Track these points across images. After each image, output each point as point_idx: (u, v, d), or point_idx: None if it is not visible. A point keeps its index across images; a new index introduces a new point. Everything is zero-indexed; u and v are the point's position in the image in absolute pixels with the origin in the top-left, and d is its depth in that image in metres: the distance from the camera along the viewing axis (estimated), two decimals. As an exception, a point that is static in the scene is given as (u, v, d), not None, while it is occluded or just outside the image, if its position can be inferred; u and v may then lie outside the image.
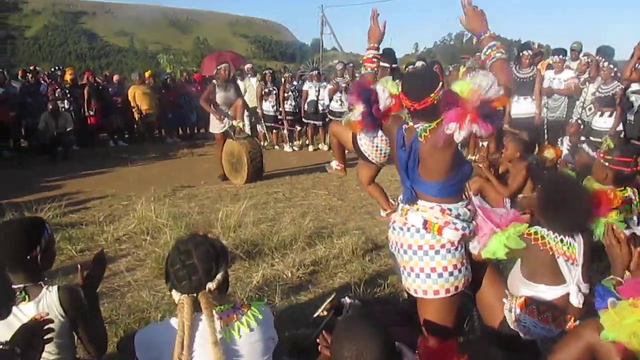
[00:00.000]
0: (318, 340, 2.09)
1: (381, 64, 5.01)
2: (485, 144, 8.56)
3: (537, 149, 6.38)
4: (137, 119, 12.22)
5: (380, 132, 4.84)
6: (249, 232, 4.84)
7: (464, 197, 2.75)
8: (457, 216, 2.64)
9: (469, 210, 2.72)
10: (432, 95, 2.46)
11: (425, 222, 2.62)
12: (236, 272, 4.16)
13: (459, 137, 2.36)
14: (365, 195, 6.78)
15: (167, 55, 27.93)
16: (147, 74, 12.96)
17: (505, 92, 2.41)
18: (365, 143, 5.01)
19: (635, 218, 4.03)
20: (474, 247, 2.82)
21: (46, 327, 1.67)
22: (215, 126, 7.88)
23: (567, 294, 2.73)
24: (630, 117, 7.45)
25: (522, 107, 8.12)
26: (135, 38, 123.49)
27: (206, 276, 1.90)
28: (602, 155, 4.18)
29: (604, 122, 7.39)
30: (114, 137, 12.21)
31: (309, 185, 7.64)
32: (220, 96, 7.78)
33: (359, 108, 2.93)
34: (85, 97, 11.46)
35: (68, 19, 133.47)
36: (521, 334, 2.84)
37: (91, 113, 11.57)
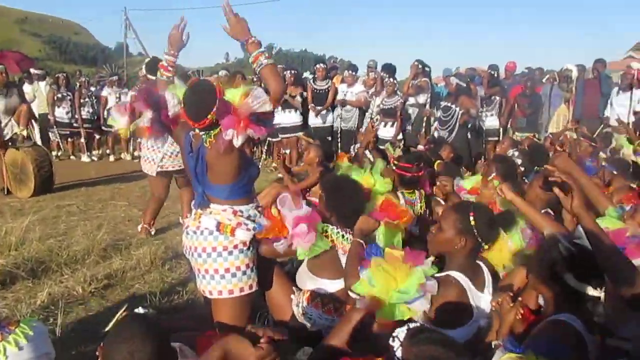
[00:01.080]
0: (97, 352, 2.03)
1: (149, 76, 5.05)
2: (287, 151, 9.01)
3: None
4: None
5: (169, 139, 4.90)
6: (33, 249, 4.43)
7: (254, 199, 2.91)
8: (249, 217, 2.76)
9: (259, 211, 2.86)
10: (209, 116, 2.49)
11: (219, 224, 2.70)
12: (17, 294, 3.78)
13: (237, 142, 2.49)
14: (168, 205, 6.66)
15: None
16: None
17: (276, 93, 2.62)
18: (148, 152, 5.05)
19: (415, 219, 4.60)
20: (280, 245, 3.00)
21: None
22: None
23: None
24: (409, 127, 8.48)
25: (318, 118, 8.74)
26: None
27: None
28: (392, 160, 4.74)
29: (387, 131, 8.28)
30: None
31: (107, 196, 7.22)
32: (0, 104, 6.96)
33: (147, 114, 2.90)
34: None
35: None
36: (308, 325, 3.07)
37: None
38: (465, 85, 7.86)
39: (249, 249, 2.76)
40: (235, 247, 2.72)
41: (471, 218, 2.49)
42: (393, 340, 1.66)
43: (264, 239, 3.02)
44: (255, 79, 10.39)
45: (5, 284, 3.87)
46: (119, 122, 3.92)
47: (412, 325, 1.70)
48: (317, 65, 8.82)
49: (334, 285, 3.08)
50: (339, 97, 8.83)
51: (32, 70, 11.09)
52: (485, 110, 8.42)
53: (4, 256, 4.23)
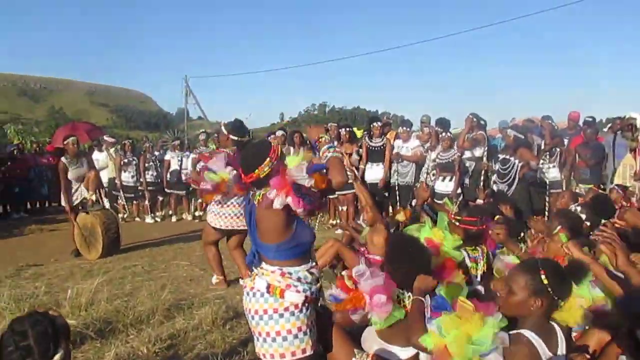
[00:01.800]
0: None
1: (231, 137, 5.27)
2: (344, 208, 9.04)
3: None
4: (-23, 193, 11.13)
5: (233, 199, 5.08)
6: (101, 310, 4.57)
7: (307, 261, 2.87)
8: (298, 279, 2.75)
9: (312, 273, 2.84)
10: (256, 172, 2.63)
11: (268, 286, 2.72)
12: (86, 354, 3.89)
13: (276, 204, 2.55)
14: (228, 264, 6.77)
15: (16, 125, 26.00)
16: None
17: (338, 184, 2.77)
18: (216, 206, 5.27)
19: (479, 275, 4.45)
20: (356, 315, 2.95)
21: None
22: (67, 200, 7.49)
23: (417, 354, 2.84)
24: (467, 181, 8.36)
25: (374, 173, 8.78)
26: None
27: (43, 357, 1.80)
28: (452, 216, 4.62)
29: (445, 185, 8.20)
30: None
31: (170, 256, 7.42)
32: (72, 172, 7.40)
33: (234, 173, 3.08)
34: None
35: None
36: None
37: None
38: (523, 137, 7.73)
39: (300, 311, 2.73)
40: (286, 309, 2.71)
41: (542, 276, 2.40)
42: None
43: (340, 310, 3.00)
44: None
45: (76, 344, 3.98)
46: (220, 172, 4.54)
47: None
48: (373, 124, 8.96)
49: (405, 353, 2.96)
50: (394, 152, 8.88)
51: (106, 139, 11.78)
52: (548, 162, 8.19)
53: (74, 317, 4.38)
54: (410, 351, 2.86)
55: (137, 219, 11.25)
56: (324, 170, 2.75)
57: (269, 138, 10.89)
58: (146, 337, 4.03)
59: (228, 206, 5.26)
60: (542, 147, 8.25)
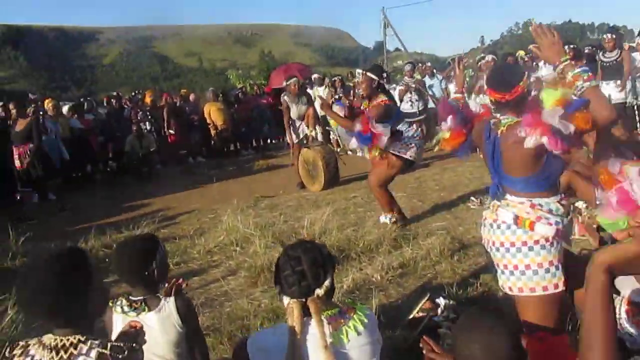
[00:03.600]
0: (421, 344, 2.10)
1: (369, 74, 5.12)
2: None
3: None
4: (213, 134, 12.65)
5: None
6: (334, 238, 4.89)
7: (557, 192, 2.69)
8: (550, 211, 2.57)
9: (563, 205, 2.64)
10: (521, 84, 2.50)
11: (516, 218, 2.58)
12: (326, 279, 4.23)
13: (528, 144, 2.35)
14: (445, 195, 6.73)
15: (236, 71, 28.74)
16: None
17: (604, 119, 2.33)
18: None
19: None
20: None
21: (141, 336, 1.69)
22: (291, 137, 8.09)
23: None
24: None
25: (606, 93, 7.74)
26: (203, 57, 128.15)
27: (315, 282, 1.96)
28: None
29: None
30: (192, 153, 12.70)
31: (385, 188, 7.61)
32: (293, 111, 7.94)
33: (449, 122, 2.95)
34: (165, 117, 11.99)
35: (140, 44, 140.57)
36: (627, 343, 2.68)
37: (171, 132, 12.09)
38: None
39: (552, 245, 2.56)
40: (536, 242, 2.55)
41: None
42: None
43: None
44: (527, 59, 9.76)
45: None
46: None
47: None
48: (605, 36, 7.84)
49: None
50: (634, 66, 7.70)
51: (313, 76, 12.36)
52: None
53: (312, 244, 4.76)
54: None
55: (349, 152, 11.73)
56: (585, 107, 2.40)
57: (479, 63, 10.29)
58: (379, 265, 4.22)
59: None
60: None
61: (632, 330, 2.58)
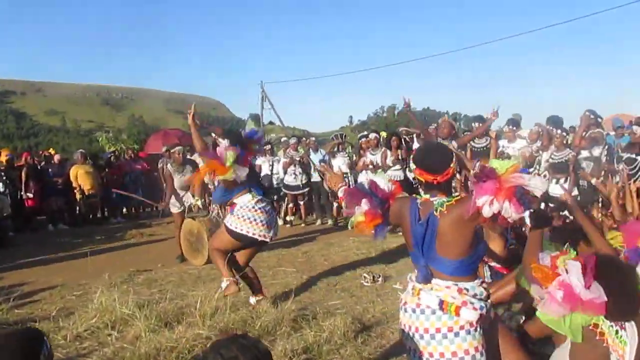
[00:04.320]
0: None
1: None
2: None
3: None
4: (79, 199, 11.58)
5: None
6: (227, 319, 4.45)
7: (478, 276, 2.68)
8: (474, 295, 2.53)
9: (485, 289, 2.62)
10: (452, 165, 2.54)
11: (442, 303, 2.51)
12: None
13: (488, 211, 2.30)
14: (336, 270, 6.60)
15: (106, 133, 27.31)
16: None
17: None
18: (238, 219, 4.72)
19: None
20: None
21: None
22: (174, 205, 7.60)
23: None
24: (583, 183, 7.75)
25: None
26: (67, 117, 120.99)
27: None
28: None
29: (558, 188, 7.61)
30: (53, 220, 11.44)
31: (274, 262, 7.32)
32: (177, 180, 7.55)
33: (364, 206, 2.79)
34: (23, 178, 10.79)
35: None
36: None
37: (29, 195, 10.88)
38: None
39: (476, 330, 2.50)
40: (462, 328, 2.48)
41: None
42: None
43: None
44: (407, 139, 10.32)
45: (207, 354, 3.88)
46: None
47: None
48: (474, 124, 8.53)
49: None
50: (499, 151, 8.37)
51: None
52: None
53: (205, 326, 4.25)
54: None
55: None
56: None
57: (360, 140, 10.67)
58: (281, 350, 3.86)
59: (256, 210, 4.81)
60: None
61: None
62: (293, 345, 3.99)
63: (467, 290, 2.52)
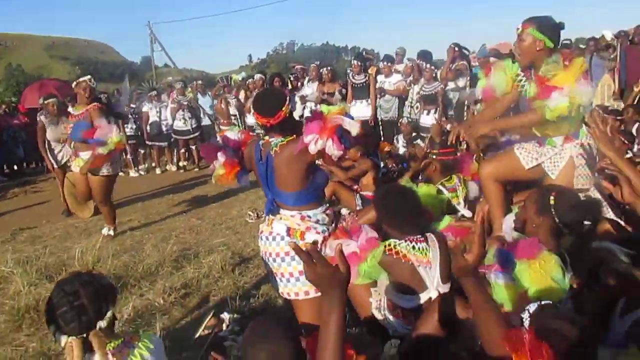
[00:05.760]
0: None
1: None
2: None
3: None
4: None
5: None
6: (110, 266, 4.60)
7: (322, 203, 3.02)
8: (317, 221, 2.90)
9: (328, 215, 2.98)
10: (283, 109, 2.76)
11: (288, 229, 2.87)
12: (103, 310, 3.97)
13: (313, 148, 2.62)
14: (223, 212, 6.86)
15: (-24, 86, 24.99)
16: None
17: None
18: None
19: (462, 201, 4.66)
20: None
21: None
22: (52, 160, 7.41)
23: (430, 298, 2.84)
24: (451, 112, 8.43)
25: (359, 110, 8.73)
26: None
27: (97, 315, 1.87)
28: (430, 150, 4.84)
29: (429, 119, 8.24)
30: None
31: (163, 208, 7.46)
32: (52, 132, 7.32)
33: (220, 159, 3.06)
34: None
35: None
36: (389, 331, 3.06)
37: None
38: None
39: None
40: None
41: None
42: (523, 313, 1.74)
43: None
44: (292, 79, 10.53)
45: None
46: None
47: (544, 302, 1.77)
48: (353, 62, 8.90)
49: (416, 300, 2.91)
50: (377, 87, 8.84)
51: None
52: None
53: (85, 275, 4.41)
54: (423, 297, 2.87)
55: (121, 173, 11.12)
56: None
57: (247, 82, 10.73)
58: (160, 288, 4.11)
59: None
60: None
61: (392, 319, 3.00)
62: (173, 283, 4.27)
63: (310, 217, 2.88)
